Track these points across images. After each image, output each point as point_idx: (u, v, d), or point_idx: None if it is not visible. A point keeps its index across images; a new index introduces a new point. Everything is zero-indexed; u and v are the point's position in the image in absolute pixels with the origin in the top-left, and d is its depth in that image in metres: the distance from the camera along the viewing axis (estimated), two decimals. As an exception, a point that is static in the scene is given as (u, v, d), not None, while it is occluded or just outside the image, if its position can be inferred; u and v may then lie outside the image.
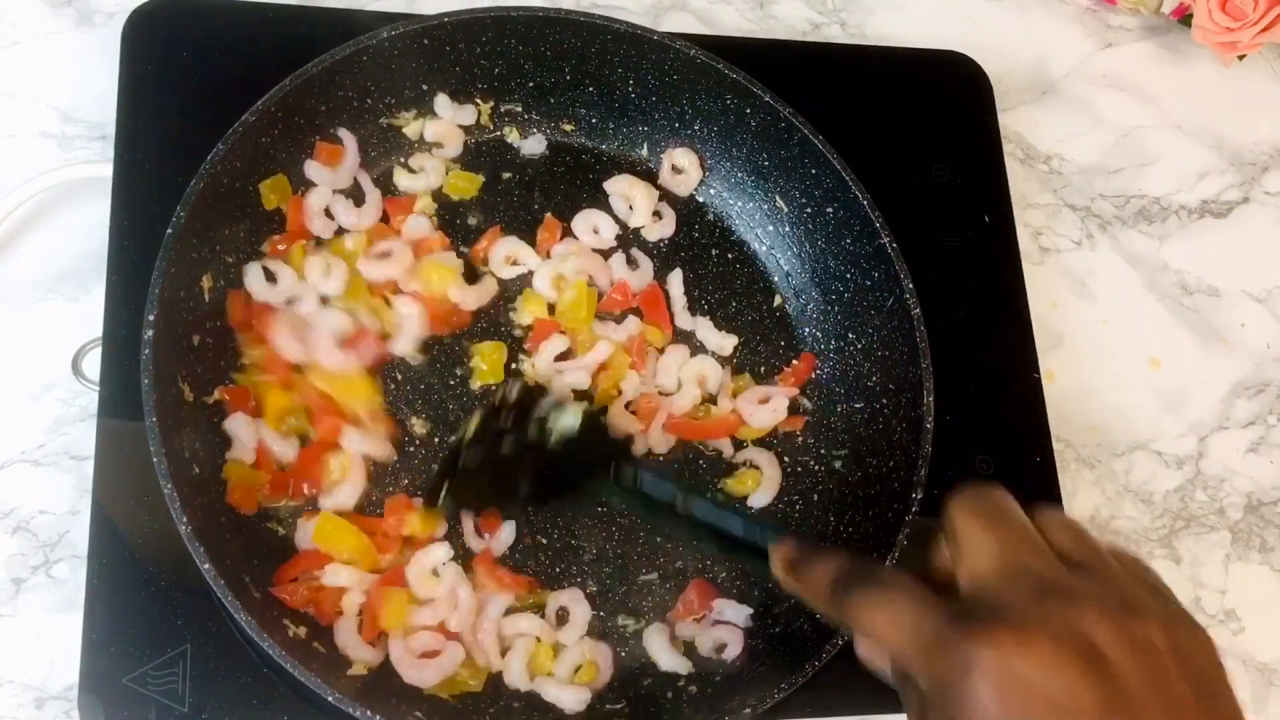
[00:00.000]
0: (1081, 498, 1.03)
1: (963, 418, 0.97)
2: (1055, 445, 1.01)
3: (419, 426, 0.87)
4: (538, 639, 0.83)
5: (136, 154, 0.89)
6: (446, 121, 0.95)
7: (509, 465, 0.81)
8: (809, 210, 0.96)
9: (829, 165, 0.92)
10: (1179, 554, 1.03)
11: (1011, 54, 1.19)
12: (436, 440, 0.87)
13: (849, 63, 1.11)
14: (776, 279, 0.99)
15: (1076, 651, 0.45)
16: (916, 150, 1.09)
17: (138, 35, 0.93)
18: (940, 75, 1.13)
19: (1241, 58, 1.19)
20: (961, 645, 0.46)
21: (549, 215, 0.96)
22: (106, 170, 0.89)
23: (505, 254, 0.94)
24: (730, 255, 0.99)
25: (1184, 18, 1.21)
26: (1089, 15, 1.24)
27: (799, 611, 0.84)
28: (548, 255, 0.95)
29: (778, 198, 0.97)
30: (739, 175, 0.99)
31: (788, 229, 0.98)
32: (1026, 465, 0.99)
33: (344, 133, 0.91)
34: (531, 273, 0.94)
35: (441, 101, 0.95)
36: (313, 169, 0.90)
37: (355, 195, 0.92)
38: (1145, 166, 1.19)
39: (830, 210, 0.94)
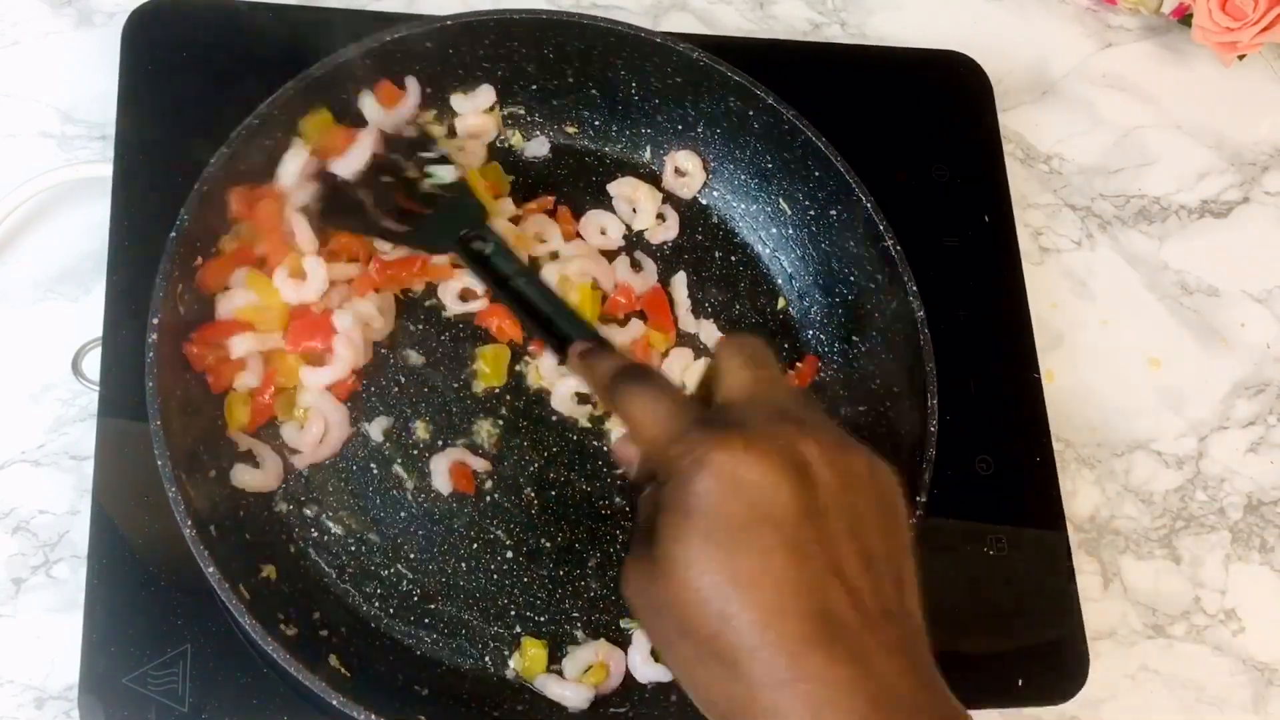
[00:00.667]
0: (1081, 498, 1.03)
1: (963, 418, 0.96)
2: (1055, 445, 1.01)
3: (421, 430, 0.87)
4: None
5: (136, 154, 0.89)
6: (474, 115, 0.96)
7: (380, 193, 0.85)
8: (812, 213, 0.96)
9: (832, 167, 0.92)
10: (1179, 554, 1.03)
11: (1011, 54, 1.19)
12: (440, 443, 0.87)
13: (849, 63, 1.11)
14: (780, 282, 0.99)
15: (790, 463, 0.53)
16: (916, 150, 1.08)
17: (138, 35, 0.93)
18: (940, 75, 1.13)
19: (1242, 58, 1.19)
20: (701, 443, 0.54)
21: (562, 206, 0.96)
22: (106, 170, 0.88)
23: (535, 231, 0.94)
24: (734, 258, 0.99)
25: (1184, 18, 1.21)
26: (1089, 15, 1.24)
27: None
28: (576, 236, 0.96)
29: (781, 200, 0.97)
30: (742, 178, 0.99)
31: (791, 232, 0.98)
32: (1026, 465, 0.99)
33: (410, 80, 0.91)
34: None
35: (458, 99, 0.95)
36: (368, 105, 0.90)
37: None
38: (1145, 166, 1.19)
39: (834, 213, 0.94)
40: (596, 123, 0.99)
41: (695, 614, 0.52)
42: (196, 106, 0.90)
